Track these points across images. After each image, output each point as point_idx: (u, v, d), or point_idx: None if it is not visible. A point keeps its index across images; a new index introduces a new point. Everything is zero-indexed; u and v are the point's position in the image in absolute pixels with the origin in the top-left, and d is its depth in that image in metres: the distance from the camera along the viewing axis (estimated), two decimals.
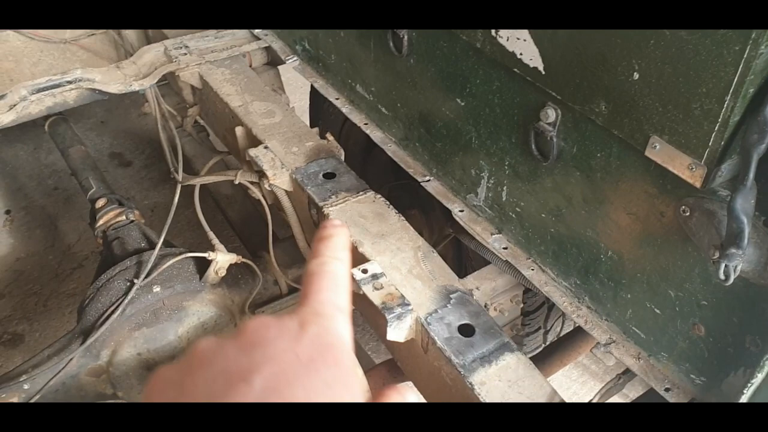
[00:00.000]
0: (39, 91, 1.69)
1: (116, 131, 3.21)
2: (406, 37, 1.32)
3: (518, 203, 1.23)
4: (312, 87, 2.17)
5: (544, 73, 1.02)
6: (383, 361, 1.51)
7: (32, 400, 1.52)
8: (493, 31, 1.08)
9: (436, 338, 1.16)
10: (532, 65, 1.03)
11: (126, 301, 1.53)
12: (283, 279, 1.75)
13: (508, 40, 1.06)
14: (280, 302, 1.76)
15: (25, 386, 1.52)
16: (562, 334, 1.84)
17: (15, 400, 1.53)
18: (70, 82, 1.71)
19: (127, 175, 2.99)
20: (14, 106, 1.67)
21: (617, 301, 1.12)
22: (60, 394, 1.57)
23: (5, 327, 2.35)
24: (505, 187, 1.24)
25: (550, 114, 1.05)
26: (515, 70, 1.07)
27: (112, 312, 1.53)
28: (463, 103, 1.26)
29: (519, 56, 1.05)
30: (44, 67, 2.08)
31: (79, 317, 1.63)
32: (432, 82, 1.32)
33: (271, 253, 1.67)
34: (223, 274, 1.65)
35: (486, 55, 1.13)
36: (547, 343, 1.85)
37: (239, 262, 1.64)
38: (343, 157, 1.54)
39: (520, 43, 1.04)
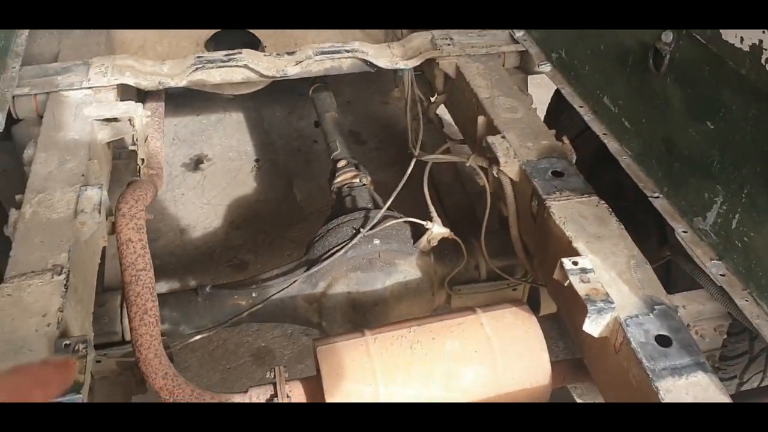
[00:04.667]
0: (322, 53, 1.97)
1: (358, 112, 3.54)
2: (668, 56, 1.37)
3: (748, 233, 1.23)
4: (552, 98, 2.27)
5: None
6: (567, 359, 1.55)
7: (254, 308, 1.78)
8: (763, 60, 1.10)
9: (631, 339, 1.19)
10: None
11: (350, 245, 1.74)
12: (484, 265, 1.85)
13: None
14: (478, 286, 1.87)
15: (254, 294, 1.79)
16: None
17: (243, 303, 1.80)
18: (348, 51, 1.97)
19: (361, 152, 3.28)
20: (300, 62, 1.96)
21: None
22: (277, 309, 1.81)
23: (236, 252, 2.73)
24: (737, 215, 1.24)
25: None
26: None
27: (337, 251, 1.74)
28: (713, 127, 1.28)
29: None
30: (324, 38, 2.39)
31: (307, 250, 1.87)
32: (685, 103, 1.36)
33: (483, 237, 1.79)
34: (434, 245, 1.81)
35: (750, 82, 1.16)
36: None
37: (451, 237, 1.79)
38: (574, 161, 1.61)
39: None
